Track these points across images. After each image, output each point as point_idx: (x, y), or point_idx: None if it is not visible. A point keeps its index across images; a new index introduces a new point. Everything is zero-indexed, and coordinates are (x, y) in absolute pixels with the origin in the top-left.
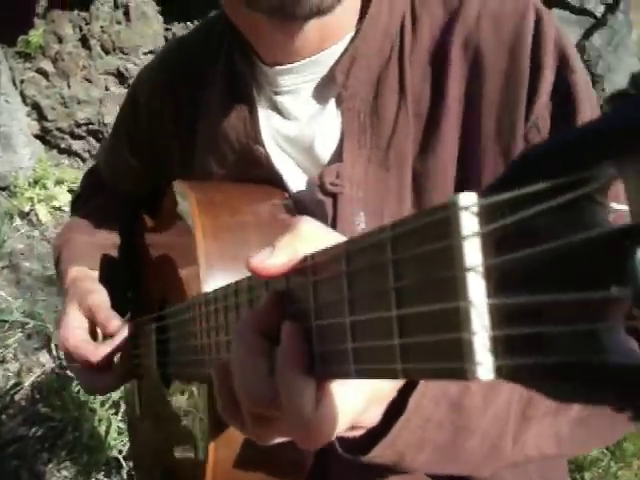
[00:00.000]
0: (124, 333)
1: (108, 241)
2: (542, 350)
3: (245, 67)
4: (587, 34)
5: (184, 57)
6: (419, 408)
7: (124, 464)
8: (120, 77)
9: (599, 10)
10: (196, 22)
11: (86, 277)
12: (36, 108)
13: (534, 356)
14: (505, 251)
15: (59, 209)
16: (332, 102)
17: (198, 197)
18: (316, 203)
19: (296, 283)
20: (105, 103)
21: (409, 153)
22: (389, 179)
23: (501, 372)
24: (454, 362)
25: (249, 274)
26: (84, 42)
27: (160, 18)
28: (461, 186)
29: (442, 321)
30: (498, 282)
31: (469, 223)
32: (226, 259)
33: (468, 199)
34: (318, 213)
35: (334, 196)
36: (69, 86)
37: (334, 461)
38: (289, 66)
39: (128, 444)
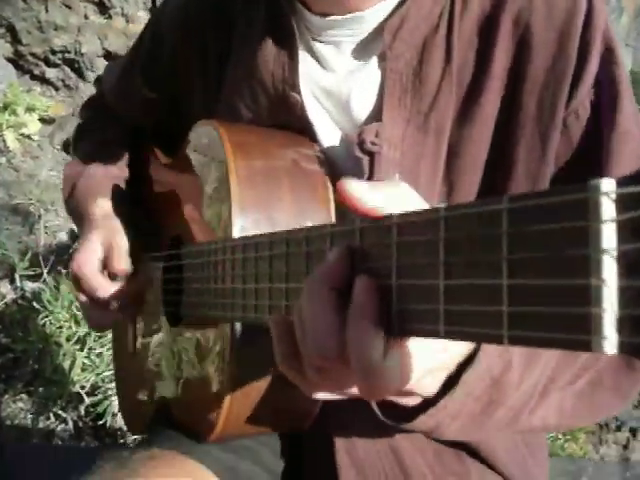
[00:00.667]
0: (125, 274)
1: (122, 174)
2: None
3: (292, 13)
4: None
5: (213, 2)
6: (466, 382)
7: (86, 399)
8: (101, 6)
9: None
10: None
11: (116, 215)
12: (10, 30)
13: None
14: (638, 239)
15: (28, 137)
16: (374, 60)
17: (231, 137)
18: (353, 160)
19: (373, 242)
20: (83, 32)
21: (449, 120)
22: (426, 143)
23: (623, 347)
24: (580, 334)
25: (283, 223)
26: None
27: None
28: (492, 162)
29: (568, 295)
30: (629, 266)
31: (608, 208)
32: (260, 205)
33: (609, 185)
34: (352, 169)
35: (371, 155)
36: (47, 10)
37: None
38: (335, 18)
39: (92, 379)
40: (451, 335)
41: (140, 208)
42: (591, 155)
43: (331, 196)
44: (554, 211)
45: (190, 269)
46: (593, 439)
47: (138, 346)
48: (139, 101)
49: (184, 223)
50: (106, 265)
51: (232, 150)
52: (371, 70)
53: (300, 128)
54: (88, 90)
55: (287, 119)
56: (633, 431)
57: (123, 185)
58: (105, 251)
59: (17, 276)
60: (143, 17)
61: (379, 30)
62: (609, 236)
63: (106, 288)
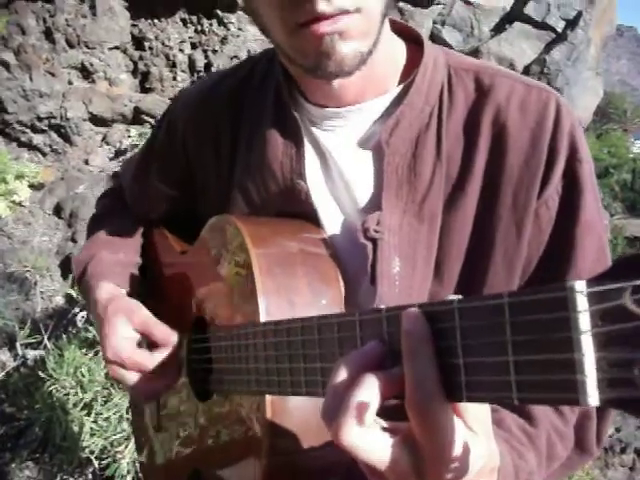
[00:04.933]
0: (174, 342)
1: (132, 259)
2: (633, 387)
3: (294, 105)
4: (547, 48)
5: (226, 91)
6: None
7: (95, 463)
8: (84, 72)
9: (560, 25)
10: (163, 20)
11: (122, 294)
12: None
13: (627, 391)
14: (606, 323)
15: (19, 204)
16: (373, 151)
17: (249, 230)
18: (357, 245)
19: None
20: (68, 97)
21: (440, 209)
22: (421, 230)
23: (604, 402)
24: (570, 394)
25: (302, 304)
26: (48, 35)
27: (127, 14)
28: (473, 248)
29: (558, 365)
30: (601, 343)
31: (582, 302)
32: (280, 291)
33: (581, 285)
34: (357, 254)
35: (374, 241)
36: (31, 79)
37: None
38: (335, 109)
39: (100, 444)
40: (472, 399)
41: (153, 291)
42: (559, 242)
43: (339, 276)
44: (543, 304)
45: (219, 350)
46: (599, 464)
47: (163, 421)
48: (154, 196)
49: (206, 306)
50: (147, 339)
51: (252, 243)
52: (369, 159)
53: (306, 213)
54: (75, 154)
55: (294, 205)
56: (638, 452)
57: (135, 270)
58: (139, 328)
59: (18, 344)
60: (126, 80)
61: (376, 122)
62: (584, 322)
63: (151, 359)
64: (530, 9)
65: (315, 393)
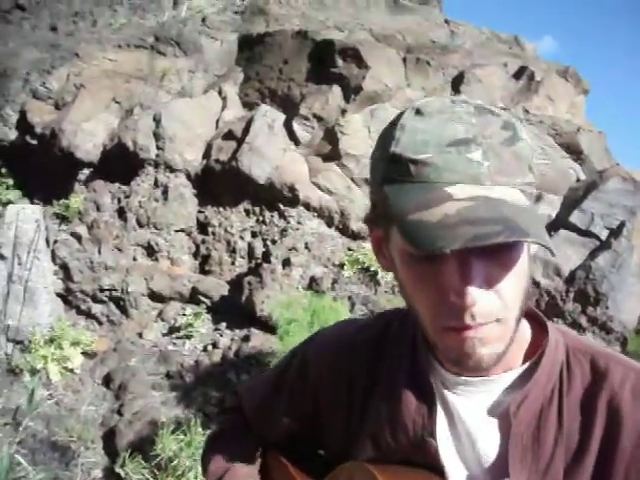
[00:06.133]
0: None
1: (257, 476)
2: None
3: (429, 368)
4: (592, 255)
5: (365, 342)
6: None
7: None
8: (149, 250)
9: (604, 234)
10: (228, 208)
11: None
12: (64, 269)
13: None
14: None
15: (71, 370)
16: (499, 419)
17: None
18: None
19: None
20: (131, 272)
21: (561, 478)
22: None
23: None
24: None
25: None
26: (121, 213)
27: (195, 200)
28: None
29: None
30: None
31: None
32: None
33: None
34: None
35: None
36: (100, 252)
37: None
38: (468, 379)
39: None
40: None
41: None
42: None
43: None
44: None
45: None
46: None
47: None
48: (277, 426)
49: None
50: None
51: None
52: (495, 425)
53: (433, 465)
54: (130, 326)
55: (422, 457)
56: None
57: None
58: None
59: None
60: (187, 261)
61: (504, 393)
62: None
63: None
64: (575, 218)
65: None
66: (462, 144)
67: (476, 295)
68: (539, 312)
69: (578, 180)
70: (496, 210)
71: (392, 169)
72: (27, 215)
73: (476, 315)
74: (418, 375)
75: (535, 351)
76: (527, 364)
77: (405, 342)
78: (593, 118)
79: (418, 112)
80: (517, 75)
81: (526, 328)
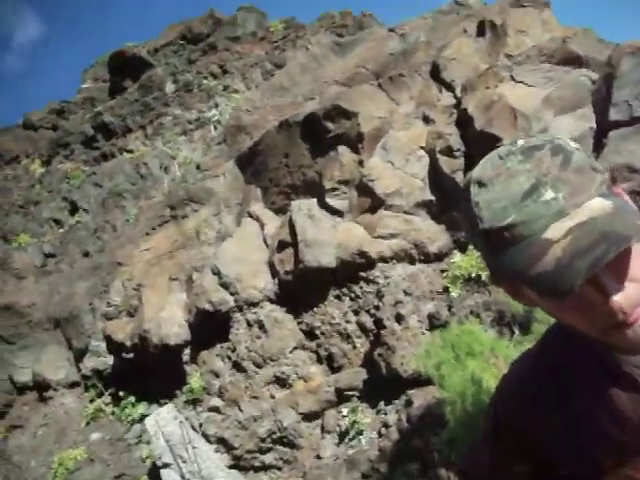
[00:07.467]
0: None
1: None
2: None
3: (620, 361)
4: None
5: (544, 371)
6: None
7: None
8: (279, 381)
9: None
10: (321, 305)
11: None
12: (222, 442)
13: None
14: None
15: None
16: None
17: None
18: None
19: None
20: (278, 410)
21: None
22: None
23: None
24: None
25: None
26: (238, 368)
27: (290, 316)
28: None
29: None
30: None
31: None
32: None
33: None
34: None
35: None
36: (241, 410)
37: None
38: None
39: None
40: None
41: None
42: None
43: None
44: None
45: None
46: None
47: None
48: (514, 474)
49: None
50: None
51: None
52: None
53: None
54: (305, 454)
55: None
56: None
57: None
58: None
59: None
60: (316, 370)
61: None
62: None
63: None
64: (614, 113)
65: None
66: (532, 193)
67: (618, 299)
68: None
69: (593, 83)
70: (593, 232)
71: (490, 243)
72: (165, 417)
73: (626, 309)
74: (612, 370)
75: None
76: None
77: (581, 349)
78: (569, 20)
79: (480, 184)
80: (480, 32)
81: None
